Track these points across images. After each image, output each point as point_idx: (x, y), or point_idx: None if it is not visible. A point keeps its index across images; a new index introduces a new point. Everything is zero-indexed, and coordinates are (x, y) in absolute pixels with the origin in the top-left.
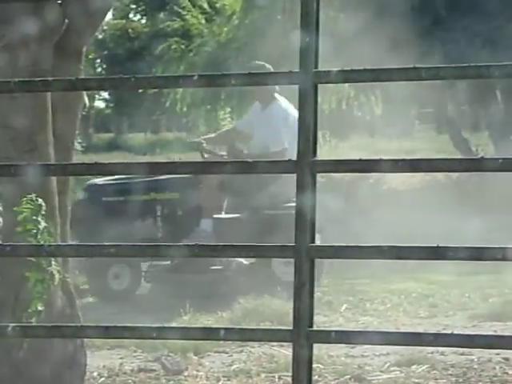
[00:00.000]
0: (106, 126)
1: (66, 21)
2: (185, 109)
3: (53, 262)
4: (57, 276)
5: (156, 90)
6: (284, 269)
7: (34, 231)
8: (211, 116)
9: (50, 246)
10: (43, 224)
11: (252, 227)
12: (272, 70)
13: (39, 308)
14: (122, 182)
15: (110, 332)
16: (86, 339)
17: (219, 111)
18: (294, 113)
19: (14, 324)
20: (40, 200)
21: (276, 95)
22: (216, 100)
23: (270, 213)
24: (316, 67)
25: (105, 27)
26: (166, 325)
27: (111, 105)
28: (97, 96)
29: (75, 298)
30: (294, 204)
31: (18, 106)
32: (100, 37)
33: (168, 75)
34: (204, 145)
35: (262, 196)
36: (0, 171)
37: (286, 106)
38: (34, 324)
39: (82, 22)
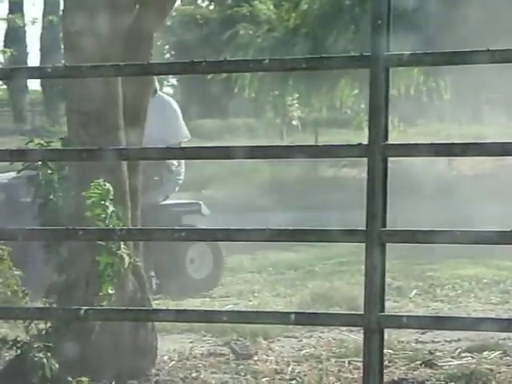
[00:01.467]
0: None
1: (137, 6)
2: (253, 94)
3: (122, 246)
4: (127, 260)
5: (224, 76)
6: None
7: (103, 216)
8: (279, 102)
9: (122, 229)
10: (111, 208)
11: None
12: None
13: (110, 291)
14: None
15: (181, 316)
16: (156, 323)
17: (287, 97)
18: (176, 106)
19: (86, 307)
20: (108, 185)
21: (159, 92)
22: (284, 86)
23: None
24: (387, 50)
25: (173, 13)
26: (236, 309)
27: (179, 91)
28: (165, 82)
29: (146, 282)
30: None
31: (89, 91)
32: (168, 23)
33: (238, 59)
34: None
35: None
36: (72, 156)
37: (169, 99)
38: (106, 307)
39: (152, 7)
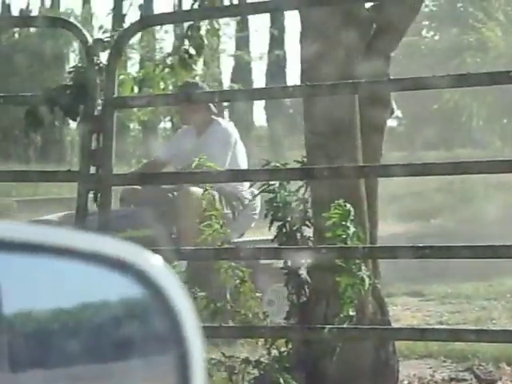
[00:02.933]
0: (399, 145)
1: (374, 26)
2: (481, 123)
3: (363, 267)
4: (367, 281)
5: (451, 105)
6: None
7: (344, 236)
8: (507, 130)
9: (364, 247)
10: (352, 229)
11: None
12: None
13: (350, 313)
14: None
15: (426, 334)
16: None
17: None
18: (234, 132)
19: (329, 326)
20: (348, 205)
21: (213, 117)
22: None
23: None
24: None
25: None
26: (486, 327)
27: (404, 122)
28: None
29: (386, 305)
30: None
31: (326, 112)
32: (392, 54)
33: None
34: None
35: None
36: (310, 175)
37: (226, 126)
38: (348, 326)
39: (389, 27)
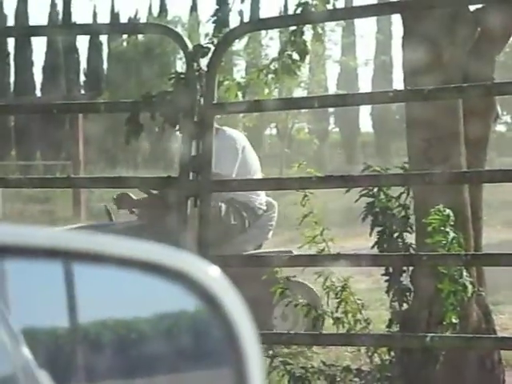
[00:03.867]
0: (508, 150)
1: (479, 29)
2: None
3: (464, 274)
4: (470, 288)
5: None
6: None
7: (444, 242)
8: None
9: (467, 255)
10: (452, 235)
11: None
12: None
13: (454, 321)
14: None
15: None
16: (503, 356)
17: None
18: (242, 138)
19: (432, 334)
20: (448, 210)
21: (217, 126)
22: None
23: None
24: None
25: (506, 49)
26: None
27: None
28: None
29: (491, 313)
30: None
31: (428, 117)
32: (497, 58)
33: None
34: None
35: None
36: (412, 180)
37: (231, 133)
38: (451, 335)
39: (494, 30)
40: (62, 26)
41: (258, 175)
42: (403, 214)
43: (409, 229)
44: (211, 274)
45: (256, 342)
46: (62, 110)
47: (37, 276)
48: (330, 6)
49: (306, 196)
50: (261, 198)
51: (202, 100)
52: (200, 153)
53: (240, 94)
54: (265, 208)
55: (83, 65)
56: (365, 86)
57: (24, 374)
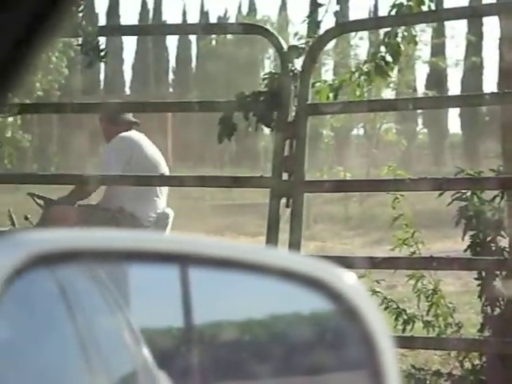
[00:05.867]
0: None
1: None
2: None
3: None
4: None
5: None
6: None
7: None
8: None
9: None
10: None
11: None
12: None
13: None
14: None
15: None
16: None
17: None
18: (135, 141)
19: None
20: None
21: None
22: None
23: None
24: None
25: None
26: None
27: None
28: None
29: None
30: None
31: None
32: None
33: None
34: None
35: None
36: (507, 184)
37: (124, 136)
38: None
39: None
40: (153, 26)
41: (163, 169)
42: (497, 217)
43: (502, 233)
44: (349, 283)
45: (392, 348)
46: (158, 109)
47: (154, 279)
48: (424, 8)
49: (396, 198)
50: (149, 209)
51: (295, 100)
52: (293, 153)
53: (331, 96)
54: (153, 219)
55: (172, 63)
56: (454, 87)
57: (144, 373)
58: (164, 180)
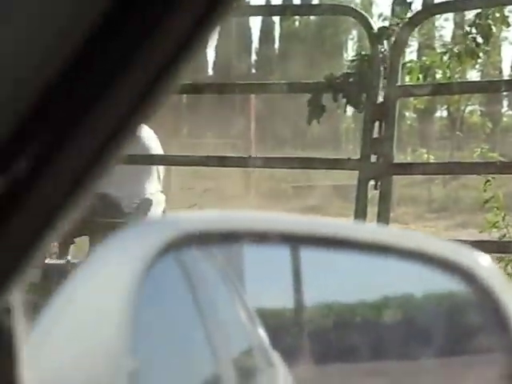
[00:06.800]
0: None
1: None
2: None
3: None
4: None
5: None
6: None
7: None
8: None
9: None
10: None
11: None
12: None
13: None
14: None
15: None
16: None
17: None
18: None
19: None
20: None
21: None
22: None
23: None
24: None
25: None
26: None
27: None
28: None
29: None
30: None
31: None
32: None
33: None
34: None
35: None
36: None
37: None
38: None
39: None
40: (237, 7)
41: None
42: None
43: None
44: (485, 265)
45: None
46: (245, 90)
47: (268, 260)
48: None
49: (488, 181)
50: (132, 195)
51: (385, 82)
52: (382, 135)
53: (420, 77)
54: (135, 206)
55: (255, 44)
56: None
57: (259, 352)
58: (249, 161)
